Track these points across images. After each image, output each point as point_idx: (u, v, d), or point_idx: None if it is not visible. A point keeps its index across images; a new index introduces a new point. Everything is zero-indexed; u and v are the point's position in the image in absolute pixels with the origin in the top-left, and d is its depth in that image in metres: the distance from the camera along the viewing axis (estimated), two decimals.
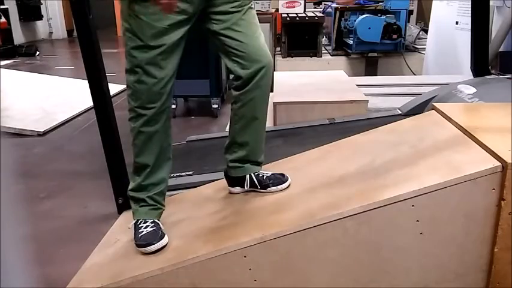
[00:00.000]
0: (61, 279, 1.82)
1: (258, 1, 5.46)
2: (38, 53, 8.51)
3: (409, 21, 5.60)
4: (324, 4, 6.49)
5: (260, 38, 1.71)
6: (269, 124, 3.32)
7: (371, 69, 5.33)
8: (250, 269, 1.53)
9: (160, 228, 1.72)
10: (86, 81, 2.12)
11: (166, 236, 1.69)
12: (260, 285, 1.54)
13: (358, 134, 2.12)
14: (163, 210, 1.81)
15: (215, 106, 4.41)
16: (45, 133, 4.06)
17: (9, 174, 0.58)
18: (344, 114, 3.08)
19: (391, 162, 1.71)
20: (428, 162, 1.61)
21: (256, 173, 1.85)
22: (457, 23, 4.58)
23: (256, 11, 5.86)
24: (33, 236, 2.30)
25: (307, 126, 3.01)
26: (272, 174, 1.85)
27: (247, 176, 1.84)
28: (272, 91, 3.77)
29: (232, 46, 1.65)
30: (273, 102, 3.25)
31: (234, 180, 1.89)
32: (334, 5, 5.49)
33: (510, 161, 1.40)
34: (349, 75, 4.33)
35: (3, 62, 7.53)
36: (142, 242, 1.67)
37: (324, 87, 3.64)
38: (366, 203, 1.47)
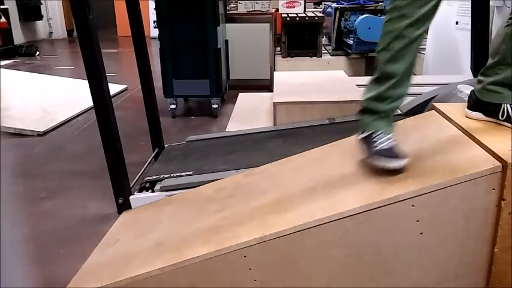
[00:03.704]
0: (61, 279, 1.83)
1: (258, 1, 5.46)
2: (38, 53, 8.51)
3: None
4: (324, 4, 6.49)
5: None
6: (269, 124, 3.32)
7: (371, 69, 5.31)
8: (250, 269, 1.53)
9: (398, 147, 1.58)
10: (86, 81, 2.12)
11: (406, 160, 1.54)
12: (260, 285, 1.54)
13: None
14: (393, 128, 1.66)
15: (215, 106, 4.41)
16: (45, 133, 4.06)
17: (9, 174, 0.58)
18: (344, 114, 3.08)
19: None
20: (429, 162, 1.61)
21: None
22: (457, 23, 4.58)
23: (256, 11, 5.85)
24: (33, 236, 2.30)
25: (307, 126, 3.01)
26: None
27: (505, 106, 1.64)
28: (272, 91, 3.78)
29: None
30: (273, 102, 3.25)
31: (480, 105, 1.71)
32: (334, 5, 5.49)
33: (510, 161, 1.40)
34: (349, 75, 4.33)
35: (3, 62, 7.53)
36: (380, 155, 1.56)
37: (324, 87, 3.63)
38: (365, 203, 1.47)
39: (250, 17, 5.36)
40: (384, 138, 1.58)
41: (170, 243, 1.72)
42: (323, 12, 5.89)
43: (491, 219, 1.45)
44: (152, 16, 8.65)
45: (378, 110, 1.61)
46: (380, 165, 1.56)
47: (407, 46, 1.52)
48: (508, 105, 1.65)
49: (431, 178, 1.47)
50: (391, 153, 1.56)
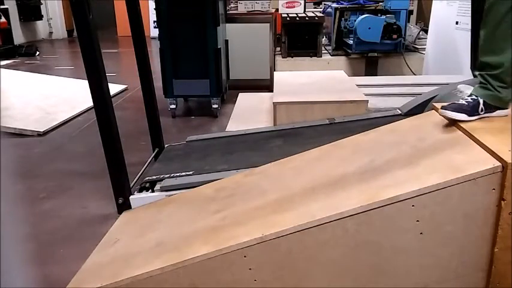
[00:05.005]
0: (61, 279, 1.83)
1: (258, 1, 5.46)
2: (38, 53, 8.51)
3: (409, 21, 5.60)
4: (324, 4, 6.49)
5: None
6: (269, 124, 3.32)
7: (371, 69, 5.33)
8: (250, 269, 1.53)
9: (479, 108, 1.69)
10: (86, 81, 2.12)
11: (474, 117, 1.70)
12: (260, 285, 1.54)
13: (358, 134, 2.12)
14: (496, 95, 1.73)
15: (215, 106, 4.41)
16: (45, 133, 4.06)
17: (9, 174, 0.58)
18: (344, 114, 3.08)
19: (391, 162, 1.71)
20: (428, 162, 1.61)
21: None
22: (457, 23, 4.58)
23: (256, 11, 5.84)
24: (33, 236, 2.30)
25: (307, 126, 3.01)
26: None
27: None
28: (272, 91, 3.78)
29: None
30: (273, 102, 3.25)
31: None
32: (334, 5, 5.49)
33: (510, 161, 1.40)
34: (349, 75, 4.33)
35: (3, 62, 7.53)
36: (450, 107, 1.71)
37: (324, 87, 3.63)
38: (366, 203, 1.47)
39: (250, 17, 5.36)
40: (467, 97, 1.72)
41: (170, 243, 1.72)
42: (323, 12, 5.89)
43: (491, 219, 1.45)
44: (152, 16, 8.66)
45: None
46: (443, 114, 1.75)
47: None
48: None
49: (431, 178, 1.47)
50: (460, 107, 1.70)
